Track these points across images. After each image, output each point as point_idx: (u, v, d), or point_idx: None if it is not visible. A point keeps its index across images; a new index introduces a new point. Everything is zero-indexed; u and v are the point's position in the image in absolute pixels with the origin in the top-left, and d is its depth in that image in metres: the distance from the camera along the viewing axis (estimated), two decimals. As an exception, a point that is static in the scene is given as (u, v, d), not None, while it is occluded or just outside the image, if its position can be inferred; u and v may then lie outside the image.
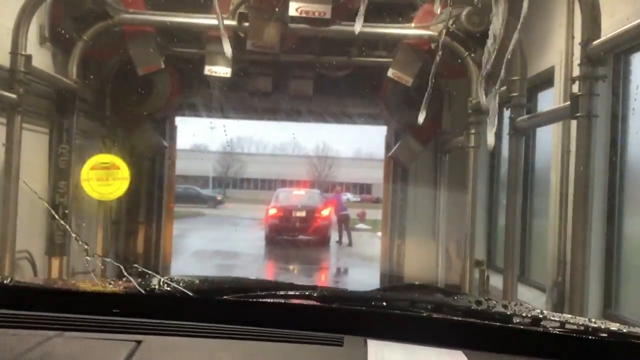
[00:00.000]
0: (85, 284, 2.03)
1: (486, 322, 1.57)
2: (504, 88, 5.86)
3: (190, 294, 1.67)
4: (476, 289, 7.08)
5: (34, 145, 6.13)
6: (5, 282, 1.76)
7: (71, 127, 6.28)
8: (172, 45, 8.15)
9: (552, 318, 1.62)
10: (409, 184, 10.46)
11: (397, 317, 1.62)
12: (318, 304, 1.69)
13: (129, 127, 8.92)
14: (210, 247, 18.99)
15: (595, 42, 3.70)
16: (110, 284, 1.94)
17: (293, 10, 4.64)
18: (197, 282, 1.83)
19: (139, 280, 1.98)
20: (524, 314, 1.63)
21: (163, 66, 7.53)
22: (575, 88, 5.96)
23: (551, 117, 5.12)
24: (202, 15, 7.11)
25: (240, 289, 1.74)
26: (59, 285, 2.24)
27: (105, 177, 7.89)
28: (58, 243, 6.20)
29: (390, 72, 7.42)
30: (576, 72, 6.26)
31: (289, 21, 5.93)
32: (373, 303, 1.69)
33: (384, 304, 1.69)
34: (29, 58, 5.50)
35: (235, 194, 57.61)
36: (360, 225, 27.99)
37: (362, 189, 60.15)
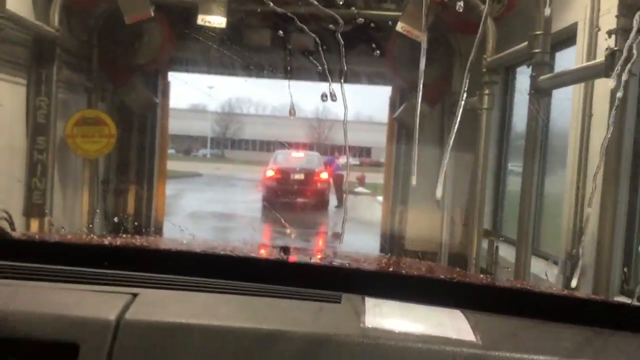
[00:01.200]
0: (79, 238, 2.05)
1: (483, 282, 1.65)
2: (525, 44, 5.35)
3: (188, 250, 1.72)
4: (484, 260, 6.67)
5: (10, 97, 5.61)
6: None
7: (51, 79, 5.75)
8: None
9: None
10: (413, 148, 9.98)
11: (395, 276, 1.67)
12: (317, 262, 1.75)
13: (117, 80, 8.37)
14: (207, 208, 18.61)
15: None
16: (103, 238, 1.97)
17: None
18: (195, 241, 1.91)
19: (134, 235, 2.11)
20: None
21: (152, 14, 6.96)
22: (605, 44, 5.47)
23: (580, 76, 4.62)
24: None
25: (239, 250, 1.79)
26: (53, 237, 2.20)
27: (90, 134, 7.44)
28: (36, 203, 5.74)
29: (400, 26, 6.87)
30: (603, 27, 5.78)
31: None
32: (372, 264, 1.77)
33: (383, 263, 1.79)
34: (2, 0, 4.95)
35: (234, 155, 57.21)
36: (360, 189, 27.60)
37: (362, 152, 59.73)
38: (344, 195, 21.61)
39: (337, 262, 1.78)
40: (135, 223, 9.31)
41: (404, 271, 1.75)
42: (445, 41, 7.86)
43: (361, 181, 28.83)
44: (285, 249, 1.84)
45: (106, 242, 1.90)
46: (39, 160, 5.70)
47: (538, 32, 5.08)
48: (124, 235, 2.18)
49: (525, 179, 5.09)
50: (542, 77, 4.95)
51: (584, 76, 4.50)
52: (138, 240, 2.00)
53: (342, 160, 30.19)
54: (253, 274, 1.55)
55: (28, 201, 5.76)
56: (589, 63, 4.84)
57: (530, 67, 5.21)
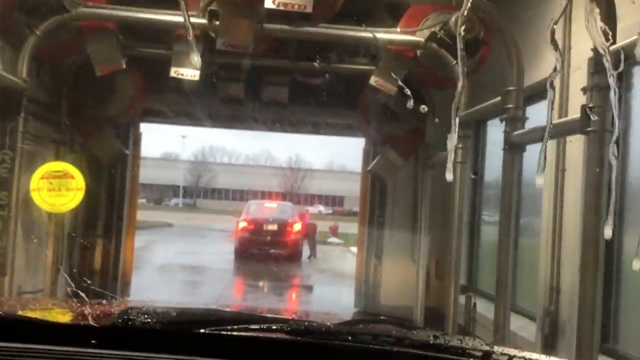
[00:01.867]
0: (45, 313, 2.03)
1: (441, 355, 1.72)
2: (498, 99, 5.37)
3: (162, 327, 1.69)
4: (461, 316, 6.54)
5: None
6: None
7: (16, 131, 5.56)
8: (136, 45, 7.48)
9: (502, 352, 1.76)
10: (387, 199, 9.93)
11: (361, 350, 1.74)
12: (287, 337, 1.77)
13: (87, 132, 8.21)
14: (177, 260, 18.20)
15: (612, 48, 3.20)
16: (67, 309, 1.96)
17: (269, 2, 4.06)
18: (170, 313, 1.85)
19: (102, 304, 2.09)
20: (476, 348, 1.78)
21: (124, 66, 6.87)
22: (575, 101, 5.53)
23: (554, 132, 4.61)
24: (169, 12, 6.49)
25: (213, 321, 1.78)
26: (15, 313, 2.09)
27: (57, 187, 7.18)
28: (-4, 261, 5.47)
29: (373, 80, 6.88)
30: (573, 83, 5.87)
31: (264, 15, 5.34)
32: (340, 336, 1.80)
33: (349, 338, 1.79)
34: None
35: (207, 204, 56.75)
36: (333, 239, 27.43)
37: (335, 201, 59.81)
38: (313, 246, 21.48)
39: (306, 337, 1.79)
40: (100, 283, 8.97)
41: (368, 344, 1.76)
42: (418, 95, 7.91)
43: (334, 231, 28.68)
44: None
45: (70, 314, 1.88)
46: None
47: (511, 88, 5.11)
48: (84, 302, 2.07)
49: (502, 236, 5.02)
50: (515, 133, 4.95)
51: (559, 132, 4.50)
52: (96, 310, 1.94)
53: (313, 209, 30.12)
54: (228, 352, 1.59)
55: (-13, 259, 5.49)
56: (564, 119, 4.87)
57: (504, 121, 5.22)
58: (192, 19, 6.40)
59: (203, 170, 62.75)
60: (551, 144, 5.99)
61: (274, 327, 1.79)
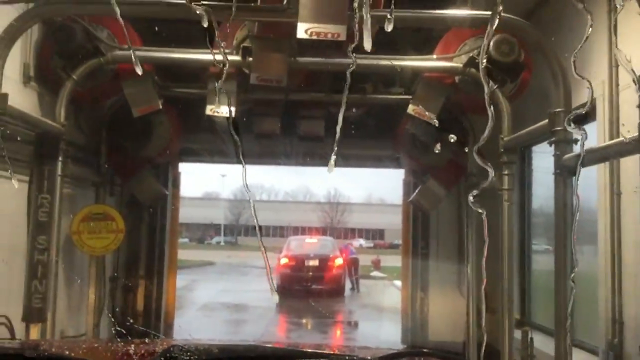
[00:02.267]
0: (90, 353, 2.01)
1: None
2: (545, 122, 5.13)
3: None
4: (517, 352, 6.17)
5: (12, 195, 5.40)
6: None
7: (54, 175, 5.56)
8: (172, 86, 7.52)
9: None
10: (430, 231, 9.64)
11: None
12: None
13: (125, 173, 8.24)
14: (219, 299, 18.10)
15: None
16: (112, 349, 2.01)
17: (302, 32, 3.96)
18: (212, 350, 1.83)
19: (146, 344, 2.16)
20: None
21: (161, 107, 6.88)
22: (626, 120, 5.23)
23: (611, 152, 4.36)
24: (202, 51, 6.50)
25: (254, 357, 1.81)
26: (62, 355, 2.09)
27: (97, 230, 7.19)
28: (36, 307, 5.40)
29: (411, 109, 6.72)
30: (624, 101, 5.58)
31: (297, 49, 5.27)
32: None
33: None
34: (3, 97, 4.84)
35: (247, 241, 56.90)
36: (376, 273, 26.99)
37: (375, 234, 59.19)
38: (357, 280, 21.17)
39: None
40: (143, 324, 8.89)
41: None
42: (458, 123, 7.70)
43: (376, 265, 28.25)
44: None
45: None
46: (39, 261, 5.41)
47: (558, 110, 4.87)
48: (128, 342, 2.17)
49: (559, 265, 4.72)
50: (567, 156, 4.68)
51: (614, 153, 4.25)
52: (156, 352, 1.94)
53: (354, 243, 29.84)
54: None
55: (27, 305, 5.43)
56: (619, 140, 4.58)
57: (552, 145, 4.97)
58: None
59: (243, 208, 63.15)
60: (602, 166, 5.69)
61: None
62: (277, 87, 6.36)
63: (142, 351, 1.97)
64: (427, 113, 6.67)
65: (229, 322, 14.09)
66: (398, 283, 18.60)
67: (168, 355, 1.72)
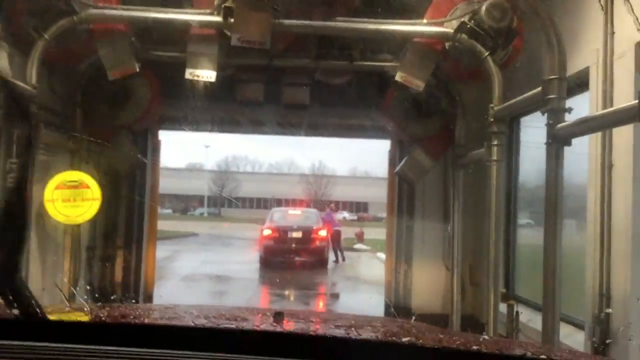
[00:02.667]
0: (63, 315, 1.99)
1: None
2: (537, 90, 4.93)
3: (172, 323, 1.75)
4: (502, 326, 6.07)
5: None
6: None
7: (24, 139, 5.27)
8: (150, 49, 7.19)
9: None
10: (416, 203, 9.48)
11: (406, 348, 1.59)
12: (314, 332, 1.77)
13: (102, 140, 7.93)
14: (201, 270, 17.94)
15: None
16: (86, 311, 1.98)
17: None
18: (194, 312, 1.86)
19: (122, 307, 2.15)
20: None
21: (138, 70, 6.57)
22: (621, 89, 5.06)
23: (608, 122, 4.18)
24: (182, 11, 6.19)
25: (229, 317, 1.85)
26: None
27: (72, 198, 6.91)
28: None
29: (399, 76, 6.49)
30: (618, 71, 5.40)
31: (280, 8, 4.99)
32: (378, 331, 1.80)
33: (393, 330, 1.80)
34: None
35: (231, 213, 56.69)
36: (359, 246, 26.97)
37: (359, 207, 59.24)
38: (341, 251, 21.16)
39: (337, 332, 1.75)
40: (123, 294, 8.70)
41: (420, 341, 1.67)
42: (446, 91, 7.49)
43: (360, 237, 28.22)
44: (278, 315, 1.80)
45: (84, 315, 1.88)
46: (8, 229, 5.16)
47: (552, 77, 4.67)
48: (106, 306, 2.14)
49: (548, 239, 4.57)
50: (560, 125, 4.50)
51: (609, 123, 4.07)
52: (121, 311, 1.99)
53: (337, 215, 29.78)
54: (246, 346, 1.51)
55: (-4, 275, 5.18)
56: (616, 108, 4.40)
57: (546, 114, 4.78)
58: (207, 17, 6.10)
59: (227, 179, 62.85)
60: (594, 138, 5.53)
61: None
62: (260, 50, 6.08)
63: (117, 313, 1.98)
64: (415, 80, 6.45)
65: (210, 293, 13.94)
66: (381, 255, 18.57)
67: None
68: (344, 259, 21.14)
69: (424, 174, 8.41)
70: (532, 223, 8.42)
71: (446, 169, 8.65)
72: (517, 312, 6.01)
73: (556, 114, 4.62)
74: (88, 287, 8.31)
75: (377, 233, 21.46)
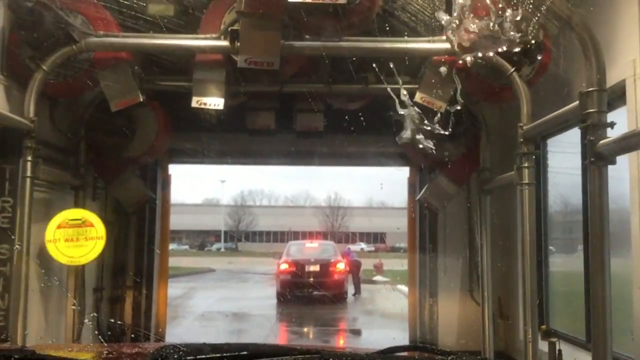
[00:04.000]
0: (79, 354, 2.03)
1: None
2: (574, 104, 4.49)
3: None
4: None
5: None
6: None
7: (16, 176, 4.91)
8: (155, 78, 6.86)
9: None
10: (438, 231, 8.98)
11: None
12: None
13: (108, 175, 7.59)
14: (218, 307, 17.44)
15: None
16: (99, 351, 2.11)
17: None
18: (205, 349, 1.82)
19: (137, 346, 2.17)
20: None
21: (142, 99, 6.23)
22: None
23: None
24: (187, 36, 5.87)
25: (247, 355, 1.79)
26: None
27: (75, 237, 6.53)
28: (-2, 325, 4.76)
29: (418, 97, 6.07)
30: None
31: (291, 28, 4.62)
32: None
33: None
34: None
35: (248, 247, 56.26)
36: (378, 278, 26.32)
37: (376, 237, 58.46)
38: (358, 283, 20.63)
39: None
40: (132, 335, 8.25)
41: None
42: (469, 114, 7.06)
43: (379, 269, 27.56)
44: None
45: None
46: (0, 273, 4.77)
47: (591, 89, 4.22)
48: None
49: (596, 272, 4.07)
50: (603, 142, 4.04)
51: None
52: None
53: (354, 247, 29.26)
54: None
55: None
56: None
57: (583, 131, 4.32)
58: (213, 42, 5.77)
59: (243, 213, 62.66)
60: (636, 156, 5.06)
61: (307, 357, 1.73)
62: (270, 76, 5.72)
63: (133, 351, 1.98)
64: (436, 101, 6.03)
65: (226, 332, 13.41)
66: (402, 287, 17.93)
67: (160, 355, 1.67)
68: (359, 293, 20.67)
69: (448, 201, 7.93)
70: (552, 250, 7.93)
71: (469, 195, 8.18)
72: (559, 351, 5.46)
73: (597, 129, 4.17)
74: (96, 332, 7.88)
75: (396, 264, 20.89)
